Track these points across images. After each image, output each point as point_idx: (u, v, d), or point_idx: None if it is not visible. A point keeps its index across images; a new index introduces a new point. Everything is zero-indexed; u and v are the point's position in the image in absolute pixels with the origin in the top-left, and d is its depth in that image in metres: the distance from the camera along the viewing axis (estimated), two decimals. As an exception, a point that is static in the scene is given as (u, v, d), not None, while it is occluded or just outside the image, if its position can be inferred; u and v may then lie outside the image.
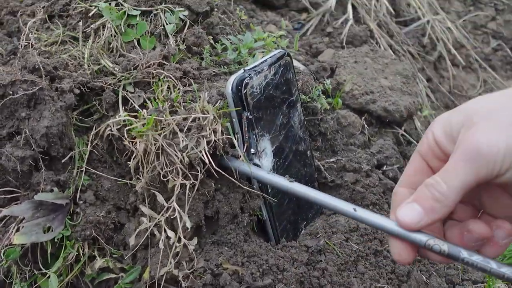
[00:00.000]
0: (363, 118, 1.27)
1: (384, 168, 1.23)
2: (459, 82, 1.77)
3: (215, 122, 0.92)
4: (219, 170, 0.94)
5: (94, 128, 1.01)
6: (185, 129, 0.92)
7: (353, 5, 1.62)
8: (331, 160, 1.19)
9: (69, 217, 0.99)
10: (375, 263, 1.06)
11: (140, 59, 1.01)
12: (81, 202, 0.99)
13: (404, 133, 1.32)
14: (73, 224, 0.98)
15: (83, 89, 0.97)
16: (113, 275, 1.00)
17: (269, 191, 1.01)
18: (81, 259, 0.99)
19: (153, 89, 0.99)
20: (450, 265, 1.14)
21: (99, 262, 0.99)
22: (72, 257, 0.98)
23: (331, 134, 1.20)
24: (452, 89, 1.74)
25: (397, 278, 1.05)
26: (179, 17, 1.08)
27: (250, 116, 0.96)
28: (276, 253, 1.00)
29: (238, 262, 0.96)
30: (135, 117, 0.92)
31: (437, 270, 1.10)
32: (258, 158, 0.99)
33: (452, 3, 2.04)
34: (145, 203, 0.95)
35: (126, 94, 0.99)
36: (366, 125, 1.28)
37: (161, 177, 0.93)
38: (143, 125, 0.91)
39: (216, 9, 1.21)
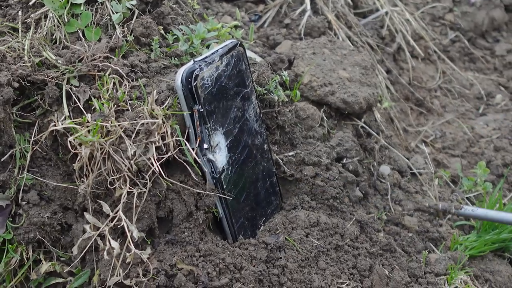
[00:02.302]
0: (322, 110, 1.25)
1: (344, 161, 1.20)
2: (418, 74, 1.77)
3: (164, 125, 0.88)
4: (169, 180, 0.90)
5: (36, 124, 0.95)
6: (133, 134, 0.87)
7: (310, -4, 1.60)
8: (290, 153, 1.15)
9: (11, 219, 0.93)
10: (336, 258, 1.04)
11: (85, 51, 0.96)
12: (24, 203, 0.93)
13: (364, 125, 1.30)
14: (16, 227, 0.92)
15: (23, 82, 0.91)
16: (61, 280, 0.94)
17: (224, 187, 0.97)
18: (25, 263, 0.93)
19: (100, 83, 0.94)
20: (412, 258, 1.13)
21: (45, 266, 0.93)
22: (15, 261, 0.92)
23: (289, 127, 1.17)
24: (412, 80, 1.74)
25: (359, 273, 1.03)
26: (127, 6, 1.03)
27: (202, 110, 0.91)
28: (233, 251, 0.96)
29: (193, 262, 0.92)
30: (79, 123, 0.87)
31: (399, 264, 1.08)
32: (212, 153, 0.95)
33: (410, -5, 2.03)
34: (89, 210, 0.90)
35: (70, 88, 0.93)
36: (325, 118, 1.25)
37: (108, 184, 0.88)
38: (88, 131, 0.86)
39: (167, -1, 1.15)
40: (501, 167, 1.48)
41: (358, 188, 1.21)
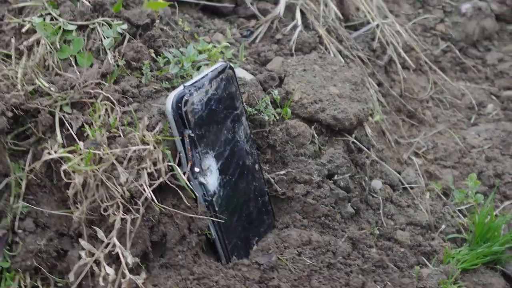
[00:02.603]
0: (313, 127, 1.26)
1: (335, 177, 1.22)
2: (410, 85, 1.78)
3: (155, 151, 0.89)
4: (161, 206, 0.92)
5: (30, 151, 0.96)
6: (125, 161, 0.89)
7: (301, 11, 1.61)
8: (282, 172, 1.17)
9: (8, 247, 0.94)
10: (328, 276, 1.05)
11: (77, 78, 0.97)
12: (20, 231, 0.94)
13: (355, 141, 1.32)
14: (13, 255, 0.94)
15: (16, 111, 0.93)
16: (59, 305, 0.96)
17: (217, 209, 0.99)
18: (23, 291, 0.94)
19: (92, 110, 0.95)
20: (404, 273, 1.14)
21: (43, 293, 0.95)
22: (13, 289, 0.93)
23: (280, 146, 1.18)
24: (403, 92, 1.75)
25: (352, 290, 1.04)
26: (117, 31, 1.04)
27: (192, 134, 0.93)
28: (227, 273, 0.98)
29: (187, 285, 0.93)
30: (72, 151, 0.89)
31: (391, 280, 1.10)
32: (203, 177, 0.96)
33: (401, 6, 2.05)
34: (85, 236, 0.91)
35: (63, 115, 0.95)
36: (316, 135, 1.26)
37: (102, 211, 0.90)
38: (81, 159, 0.88)
39: (158, 21, 1.17)
40: (493, 178, 1.50)
41: (349, 204, 1.22)
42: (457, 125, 1.76)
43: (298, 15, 1.59)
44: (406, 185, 1.35)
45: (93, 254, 0.89)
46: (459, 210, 1.36)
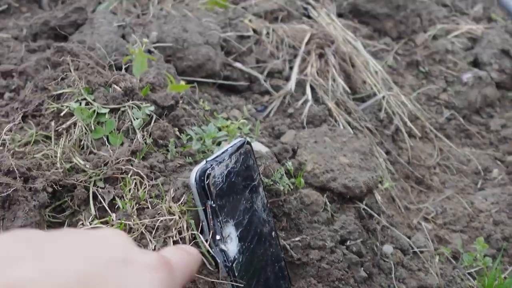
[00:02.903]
0: (325, 195, 1.34)
1: (348, 243, 1.29)
2: (417, 153, 1.87)
3: (180, 220, 0.98)
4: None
5: (66, 223, 1.05)
6: (153, 231, 0.98)
7: (311, 87, 1.73)
8: (297, 239, 1.24)
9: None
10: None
11: (110, 156, 1.08)
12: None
13: (366, 207, 1.40)
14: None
15: (55, 187, 1.03)
16: None
17: (236, 274, 1.06)
18: None
19: (123, 184, 1.05)
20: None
21: None
22: None
23: (295, 214, 1.27)
24: (411, 159, 1.84)
25: None
26: (146, 113, 1.16)
27: (214, 205, 1.02)
28: (246, 336, 1.04)
29: None
30: (105, 222, 0.98)
31: None
32: (224, 244, 1.04)
33: (405, 78, 2.18)
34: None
35: (97, 190, 1.04)
36: (328, 202, 1.34)
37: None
38: None
39: (181, 101, 1.29)
40: (501, 241, 1.55)
41: (362, 268, 1.28)
42: (464, 190, 1.83)
43: (308, 90, 1.72)
44: (416, 250, 1.41)
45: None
46: (469, 273, 1.42)
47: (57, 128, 1.15)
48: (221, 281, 1.03)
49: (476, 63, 2.27)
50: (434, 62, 2.21)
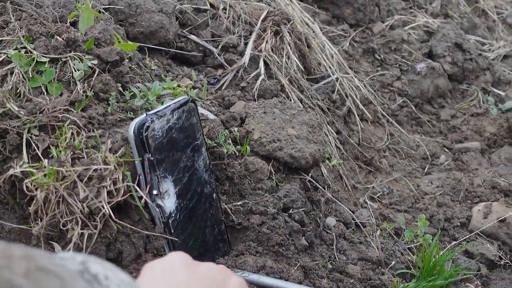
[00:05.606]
0: (270, 164, 1.33)
1: (290, 211, 1.28)
2: (367, 135, 1.89)
3: (116, 171, 0.96)
4: (118, 221, 0.97)
5: (-4, 169, 1.01)
6: (86, 179, 0.95)
7: (265, 62, 1.72)
8: (239, 203, 1.23)
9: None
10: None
11: (47, 104, 1.04)
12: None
13: (311, 179, 1.39)
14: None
15: (-15, 132, 0.98)
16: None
17: (172, 231, 1.04)
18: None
19: (58, 133, 1.01)
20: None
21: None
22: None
23: (238, 179, 1.25)
24: (361, 141, 1.86)
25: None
26: (88, 65, 1.12)
27: (152, 158, 0.99)
28: (180, 294, 1.01)
29: (140, 303, 0.96)
30: (36, 168, 0.94)
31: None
32: (161, 199, 1.02)
33: (361, 64, 2.19)
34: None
35: (31, 137, 1.00)
36: (273, 171, 1.33)
37: (61, 225, 0.94)
38: (45, 175, 0.94)
39: (127, 60, 1.26)
40: (443, 222, 1.58)
41: (304, 237, 1.28)
42: (412, 173, 1.86)
43: (261, 65, 1.71)
44: (357, 221, 1.42)
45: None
46: (409, 248, 1.43)
47: (-8, 75, 1.10)
48: (156, 234, 1.00)
49: (430, 55, 2.30)
50: (390, 51, 2.24)
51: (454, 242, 1.49)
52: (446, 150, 1.99)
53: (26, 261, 0.33)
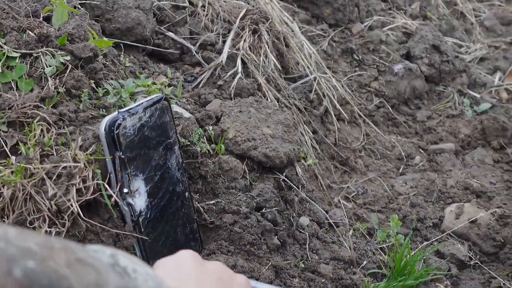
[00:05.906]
0: (244, 163, 1.34)
1: (263, 210, 1.28)
2: (344, 135, 1.90)
3: (86, 169, 0.95)
4: (88, 220, 0.96)
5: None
6: (55, 177, 0.94)
7: (243, 61, 1.72)
8: (211, 202, 1.23)
9: None
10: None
11: (16, 100, 1.03)
12: None
13: (285, 179, 1.40)
14: None
15: (-48, 127, 0.97)
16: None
17: (143, 230, 1.03)
18: None
19: (28, 130, 1.00)
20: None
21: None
22: None
23: (211, 178, 1.25)
24: (338, 141, 1.87)
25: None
26: (60, 61, 1.11)
27: (123, 156, 0.99)
28: (149, 293, 1.01)
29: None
30: (4, 164, 0.93)
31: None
32: (131, 198, 1.01)
33: (339, 64, 2.20)
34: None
35: (-1, 133, 0.99)
36: (248, 171, 1.34)
37: (28, 223, 0.93)
38: (12, 172, 0.92)
39: (102, 57, 1.25)
40: (415, 222, 1.60)
41: (276, 236, 1.28)
42: (386, 174, 1.87)
43: (239, 63, 1.70)
44: (331, 221, 1.43)
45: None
46: (381, 248, 1.44)
47: (-39, 70, 1.08)
48: (125, 232, 1.00)
49: (408, 56, 2.33)
50: (368, 51, 2.25)
51: (426, 242, 1.51)
52: (421, 151, 2.01)
53: (66, 253, 0.34)
